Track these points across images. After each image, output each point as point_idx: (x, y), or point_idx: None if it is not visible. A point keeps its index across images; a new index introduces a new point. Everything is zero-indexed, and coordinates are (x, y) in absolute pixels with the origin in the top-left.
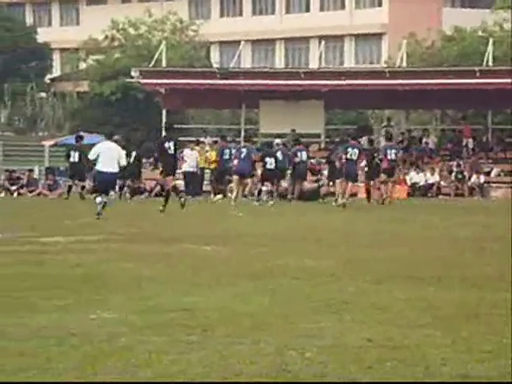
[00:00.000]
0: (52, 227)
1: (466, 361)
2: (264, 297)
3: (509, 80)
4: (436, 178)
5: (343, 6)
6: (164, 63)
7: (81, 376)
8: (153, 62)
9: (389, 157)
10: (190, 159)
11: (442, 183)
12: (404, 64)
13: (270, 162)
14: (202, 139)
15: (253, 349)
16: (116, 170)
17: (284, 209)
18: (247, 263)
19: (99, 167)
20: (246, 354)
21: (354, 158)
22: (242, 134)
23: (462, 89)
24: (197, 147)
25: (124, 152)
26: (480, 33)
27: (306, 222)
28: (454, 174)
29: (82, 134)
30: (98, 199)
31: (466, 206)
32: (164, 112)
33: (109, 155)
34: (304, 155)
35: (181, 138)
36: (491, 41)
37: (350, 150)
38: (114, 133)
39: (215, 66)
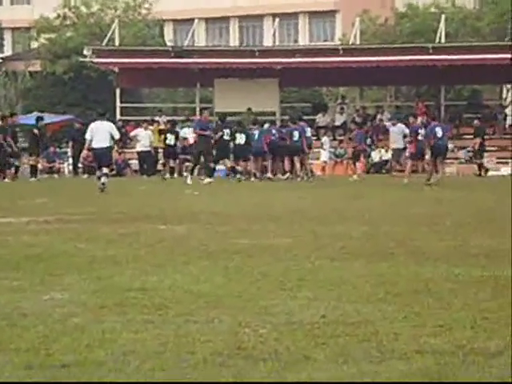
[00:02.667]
0: (4, 208)
1: (418, 335)
2: (218, 275)
3: (461, 56)
4: (390, 154)
5: None
6: (117, 42)
7: (33, 357)
8: (106, 41)
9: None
10: (144, 139)
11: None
12: (358, 41)
13: (241, 138)
14: (156, 118)
15: (207, 327)
16: (108, 144)
17: (244, 187)
18: (202, 242)
19: (94, 144)
20: (200, 333)
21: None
22: (197, 113)
23: (415, 65)
24: (151, 126)
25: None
26: (432, 9)
27: (265, 200)
28: (407, 151)
29: (42, 115)
30: (103, 179)
31: (419, 182)
32: (118, 91)
33: (101, 132)
34: (296, 135)
35: (135, 118)
36: (443, 17)
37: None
38: (68, 111)
39: (169, 44)
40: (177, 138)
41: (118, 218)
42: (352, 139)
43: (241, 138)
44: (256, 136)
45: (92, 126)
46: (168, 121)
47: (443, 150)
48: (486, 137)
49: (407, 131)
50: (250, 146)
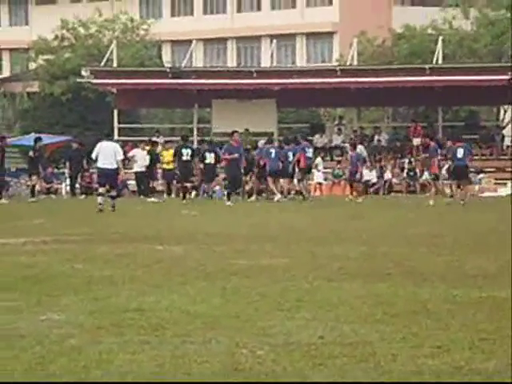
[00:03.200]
0: (1, 229)
1: (416, 356)
2: (216, 296)
3: (458, 77)
4: (388, 175)
5: (294, 5)
6: (115, 63)
7: (31, 378)
8: (103, 62)
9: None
10: (141, 159)
11: (394, 180)
12: (355, 62)
13: (210, 157)
14: (154, 139)
15: (204, 348)
16: (114, 166)
17: (241, 207)
18: (200, 263)
19: (99, 164)
20: (197, 354)
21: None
22: (195, 133)
23: (412, 86)
24: (147, 147)
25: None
26: (429, 31)
27: (262, 220)
28: (405, 171)
29: (40, 136)
30: (99, 199)
31: (417, 203)
32: (115, 112)
33: (106, 153)
34: (291, 155)
35: (133, 138)
36: (440, 39)
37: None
38: (66, 132)
39: (167, 65)
40: (217, 157)
41: (116, 238)
42: (348, 160)
43: (210, 158)
44: (273, 155)
45: (98, 146)
46: (166, 141)
47: (464, 170)
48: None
49: (365, 154)
50: (217, 166)
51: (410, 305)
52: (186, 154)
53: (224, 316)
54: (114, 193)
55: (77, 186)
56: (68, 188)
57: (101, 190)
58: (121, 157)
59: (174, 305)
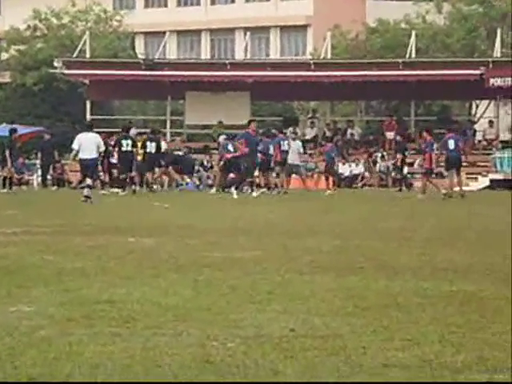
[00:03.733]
0: None
1: (386, 349)
2: (187, 289)
3: (431, 72)
4: (361, 169)
5: None
6: (88, 54)
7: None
8: (76, 53)
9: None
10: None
11: (367, 174)
12: (329, 56)
13: (151, 146)
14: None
15: (175, 340)
16: (95, 155)
17: (216, 200)
18: (172, 255)
19: (81, 155)
20: (168, 346)
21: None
22: (168, 125)
23: (385, 80)
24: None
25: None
26: (403, 25)
27: (235, 213)
28: (378, 165)
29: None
30: (85, 191)
31: (389, 197)
32: (88, 103)
33: (88, 144)
34: (286, 145)
35: (106, 130)
36: (414, 33)
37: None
38: (40, 122)
39: (140, 56)
40: (158, 146)
41: (87, 230)
42: (323, 154)
43: (151, 147)
44: (271, 149)
45: (79, 136)
46: (138, 133)
47: (457, 161)
48: (406, 153)
49: (302, 150)
50: (160, 155)
51: (381, 298)
52: (127, 144)
53: (195, 308)
54: (89, 182)
55: (48, 177)
56: (39, 179)
57: (88, 181)
58: (102, 148)
59: (146, 297)
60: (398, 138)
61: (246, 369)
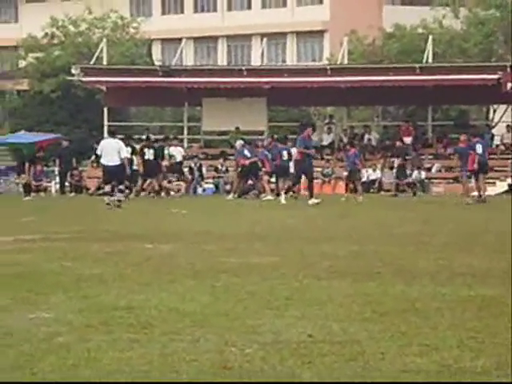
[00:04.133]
0: None
1: (404, 354)
2: (205, 294)
3: (448, 76)
4: (378, 174)
5: (285, 4)
6: (105, 61)
7: (18, 376)
8: (93, 60)
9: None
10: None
11: (384, 179)
12: (345, 61)
13: (149, 153)
14: (143, 137)
15: (193, 346)
16: (117, 162)
17: (231, 205)
18: (189, 261)
19: (103, 161)
20: (186, 352)
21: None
22: (185, 131)
23: (402, 85)
24: (137, 145)
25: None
26: (420, 30)
27: (252, 219)
28: (395, 171)
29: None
30: (106, 198)
31: (407, 202)
32: (105, 110)
33: (110, 150)
34: (285, 154)
35: (122, 136)
36: (430, 38)
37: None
38: (56, 130)
39: (157, 63)
40: (156, 154)
41: (105, 236)
42: (347, 159)
43: (149, 154)
44: (285, 155)
45: (102, 143)
46: (147, 138)
47: (485, 166)
48: (407, 157)
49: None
50: (157, 162)
51: (398, 303)
52: (149, 153)
53: (213, 314)
54: (122, 187)
55: (66, 183)
56: (57, 186)
57: (106, 188)
58: (126, 154)
59: (163, 303)
60: (398, 143)
61: (264, 374)
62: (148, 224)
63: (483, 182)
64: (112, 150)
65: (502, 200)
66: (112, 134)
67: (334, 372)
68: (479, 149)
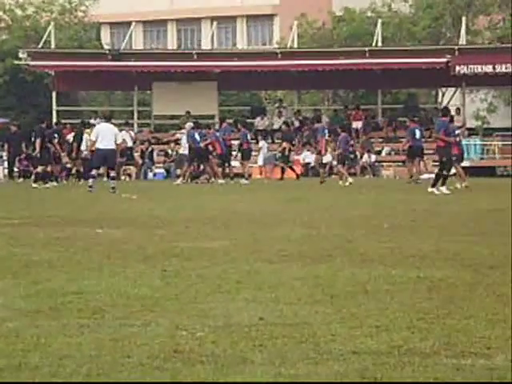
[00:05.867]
0: None
1: (355, 336)
2: (156, 279)
3: (397, 60)
4: (328, 157)
5: None
6: (53, 44)
7: None
8: (41, 44)
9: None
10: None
11: (334, 163)
12: (295, 45)
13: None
14: (92, 121)
15: (144, 330)
16: (113, 146)
17: (181, 190)
18: (140, 246)
19: (99, 145)
20: (137, 336)
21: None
22: (135, 115)
23: (352, 69)
24: (87, 130)
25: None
26: (369, 13)
27: (203, 203)
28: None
29: None
30: (91, 180)
31: (357, 185)
32: (54, 94)
33: (108, 134)
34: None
35: (72, 121)
36: (380, 21)
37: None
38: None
39: (106, 47)
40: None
41: (54, 221)
42: (338, 143)
43: (70, 137)
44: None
45: (98, 127)
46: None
47: (421, 150)
48: (294, 142)
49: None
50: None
51: (349, 286)
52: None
53: (164, 298)
54: (113, 174)
55: (15, 169)
56: (6, 171)
57: (94, 172)
58: (120, 140)
59: (114, 288)
60: (284, 127)
61: (215, 357)
62: (98, 209)
63: (418, 165)
64: (110, 135)
65: (451, 182)
66: (107, 118)
67: (286, 354)
68: (417, 133)
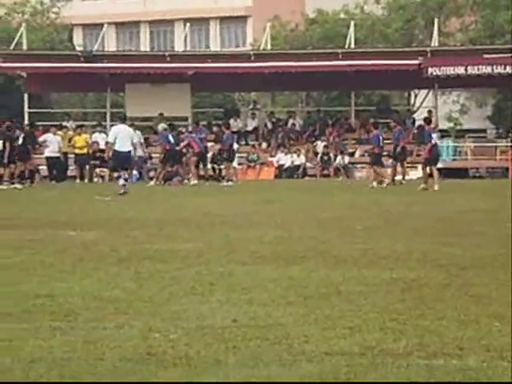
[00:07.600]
0: None
1: (328, 337)
2: (129, 281)
3: (370, 62)
4: (302, 159)
5: None
6: (25, 46)
7: None
8: (13, 45)
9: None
10: (53, 144)
11: (308, 164)
12: (269, 46)
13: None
14: (65, 123)
15: (117, 333)
16: (130, 148)
17: (154, 192)
18: (113, 248)
19: (116, 147)
20: (109, 339)
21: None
22: (108, 117)
23: (325, 71)
24: (59, 132)
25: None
26: (342, 15)
27: (176, 205)
28: (319, 156)
29: None
30: (121, 181)
31: (331, 187)
32: (26, 96)
33: (125, 136)
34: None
35: (44, 123)
36: (352, 23)
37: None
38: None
39: (78, 49)
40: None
41: (26, 224)
42: (370, 142)
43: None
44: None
45: (115, 129)
46: (77, 126)
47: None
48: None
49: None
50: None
51: (322, 287)
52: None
53: (137, 300)
54: (127, 175)
55: None
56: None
57: (120, 173)
58: (136, 140)
59: (86, 290)
60: (216, 129)
61: (189, 359)
62: (71, 211)
63: (399, 167)
64: (126, 137)
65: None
66: (122, 120)
67: (259, 356)
68: (401, 136)
